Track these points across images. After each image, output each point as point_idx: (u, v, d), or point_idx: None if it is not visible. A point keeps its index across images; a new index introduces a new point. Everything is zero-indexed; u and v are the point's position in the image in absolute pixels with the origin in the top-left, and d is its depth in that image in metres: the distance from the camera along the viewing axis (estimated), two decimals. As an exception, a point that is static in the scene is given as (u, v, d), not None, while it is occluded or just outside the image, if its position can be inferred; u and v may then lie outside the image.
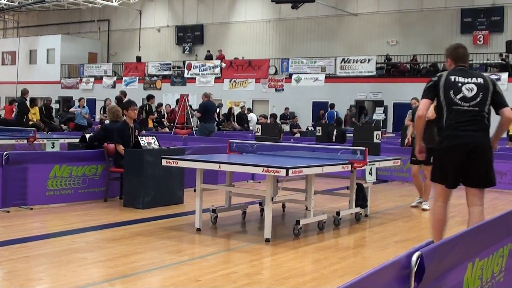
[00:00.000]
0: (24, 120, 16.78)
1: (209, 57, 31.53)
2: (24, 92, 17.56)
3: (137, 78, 32.66)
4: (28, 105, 17.65)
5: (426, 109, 5.17)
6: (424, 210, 8.91)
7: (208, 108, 15.91)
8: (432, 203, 5.40)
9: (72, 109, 19.97)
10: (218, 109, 20.84)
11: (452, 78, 5.18)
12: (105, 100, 16.14)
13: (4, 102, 32.69)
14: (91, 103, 30.37)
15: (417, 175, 9.15)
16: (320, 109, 25.52)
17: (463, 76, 5.20)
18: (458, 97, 5.10)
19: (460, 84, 5.14)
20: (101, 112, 21.39)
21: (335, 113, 23.00)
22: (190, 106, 21.32)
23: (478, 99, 5.11)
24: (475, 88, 5.13)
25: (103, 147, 8.83)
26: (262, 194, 6.79)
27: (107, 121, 11.21)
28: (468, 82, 5.16)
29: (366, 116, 25.25)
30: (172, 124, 19.96)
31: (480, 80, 5.20)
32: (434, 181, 5.30)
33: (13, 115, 18.66)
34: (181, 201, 8.71)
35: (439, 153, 5.21)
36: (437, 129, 5.28)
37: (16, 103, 17.93)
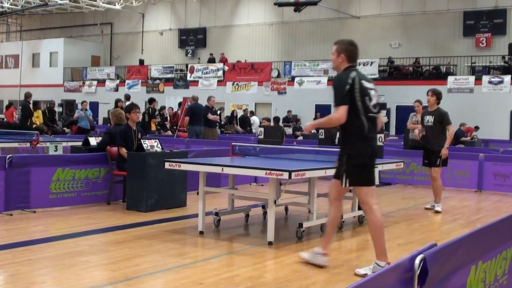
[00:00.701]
0: (27, 123, 16.85)
1: (211, 60, 31.56)
2: (27, 96, 17.64)
3: (140, 81, 32.71)
4: (32, 109, 17.70)
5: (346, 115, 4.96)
6: (437, 212, 8.88)
7: (195, 110, 15.73)
8: (373, 208, 5.13)
9: (76, 114, 19.95)
10: (219, 111, 20.82)
11: (363, 82, 5.04)
12: (117, 102, 15.98)
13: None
14: (94, 106, 30.45)
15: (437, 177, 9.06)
16: (317, 112, 25.47)
17: (366, 80, 5.12)
18: (371, 104, 5.07)
19: (368, 90, 5.07)
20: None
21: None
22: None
23: (378, 105, 5.19)
24: (375, 94, 5.17)
25: (106, 150, 8.84)
26: (265, 197, 6.78)
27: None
28: (371, 88, 5.12)
29: None
30: (174, 127, 19.95)
31: (374, 85, 5.20)
32: (364, 185, 5.14)
33: (16, 118, 18.75)
34: (184, 204, 8.71)
35: (365, 159, 5.07)
36: (344, 132, 5.09)
37: (20, 107, 18.00)
